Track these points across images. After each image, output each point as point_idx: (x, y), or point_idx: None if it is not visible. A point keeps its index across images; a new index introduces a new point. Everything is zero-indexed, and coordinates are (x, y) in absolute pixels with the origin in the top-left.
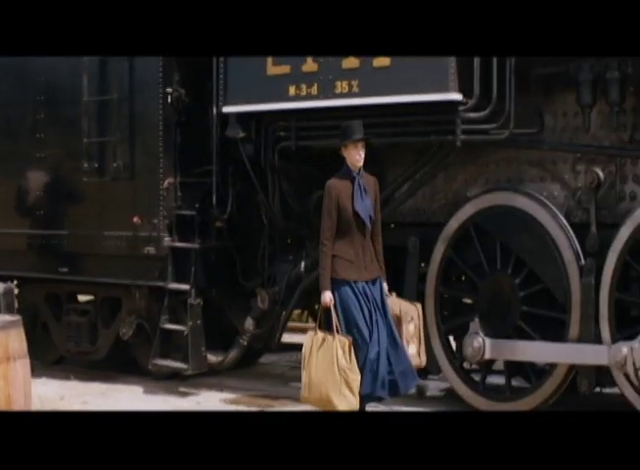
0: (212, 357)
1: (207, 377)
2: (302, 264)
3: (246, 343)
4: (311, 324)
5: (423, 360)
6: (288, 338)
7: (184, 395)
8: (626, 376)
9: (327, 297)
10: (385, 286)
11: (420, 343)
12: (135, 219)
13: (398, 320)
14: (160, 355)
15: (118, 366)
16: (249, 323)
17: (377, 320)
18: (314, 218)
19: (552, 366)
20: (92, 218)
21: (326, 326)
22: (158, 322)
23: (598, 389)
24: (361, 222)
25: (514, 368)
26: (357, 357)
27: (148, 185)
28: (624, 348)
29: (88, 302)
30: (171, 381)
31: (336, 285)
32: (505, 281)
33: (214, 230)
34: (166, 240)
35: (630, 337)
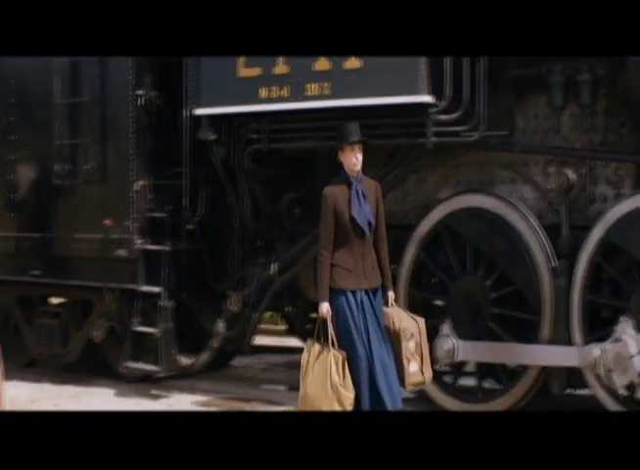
0: (184, 360)
1: (179, 380)
2: (273, 267)
3: (217, 345)
4: (282, 326)
5: (427, 377)
6: (259, 340)
7: (156, 397)
8: (598, 377)
9: (324, 308)
10: (390, 295)
11: (422, 359)
12: (107, 222)
13: (397, 337)
14: (131, 358)
15: (90, 369)
16: (220, 326)
17: (375, 332)
18: (285, 221)
19: (523, 368)
20: (64, 221)
21: (324, 338)
22: (129, 325)
23: (569, 390)
24: (360, 229)
25: (485, 370)
26: (352, 374)
27: (119, 187)
28: (596, 349)
29: (60, 304)
30: (143, 384)
31: (333, 295)
32: (476, 283)
33: (185, 233)
34: (138, 242)
35: (602, 338)
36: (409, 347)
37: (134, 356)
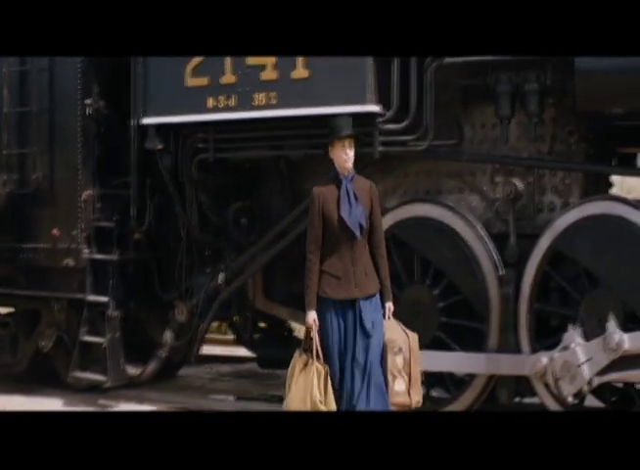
0: (131, 370)
1: (127, 390)
2: (220, 276)
3: (164, 355)
4: (230, 336)
5: (414, 401)
6: (207, 350)
7: (103, 407)
8: (546, 386)
9: (310, 318)
10: (388, 306)
11: (410, 379)
12: (54, 231)
13: (384, 350)
14: (79, 368)
15: (39, 379)
16: (167, 336)
17: (352, 349)
18: (232, 231)
19: (471, 376)
20: (12, 230)
21: (309, 348)
22: (77, 335)
23: (518, 398)
24: (349, 232)
25: (433, 379)
26: (334, 389)
27: (67, 197)
28: (544, 358)
29: (8, 314)
30: (91, 393)
31: (321, 304)
32: (424, 292)
33: (133, 242)
34: (85, 252)
35: (550, 347)
36: (396, 362)
37: (82, 366)
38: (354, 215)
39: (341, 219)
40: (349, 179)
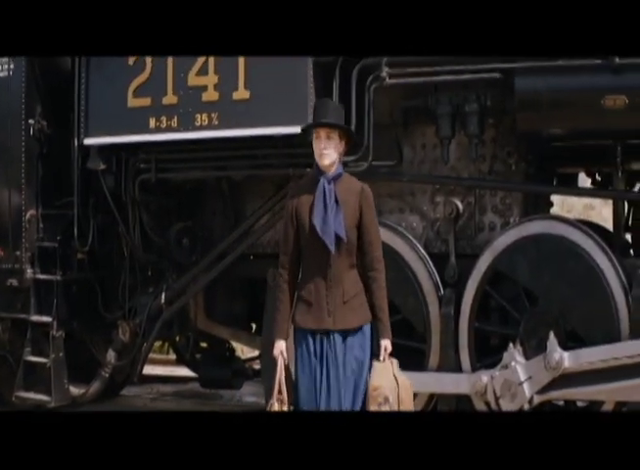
0: (75, 390)
1: (70, 409)
2: (163, 296)
3: (108, 375)
4: (172, 356)
5: None
6: (150, 370)
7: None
8: (487, 404)
9: (276, 349)
10: (385, 346)
11: None
12: None
13: (367, 398)
14: (23, 388)
15: None
16: (110, 355)
17: (332, 392)
18: (174, 251)
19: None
20: None
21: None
22: (21, 355)
23: None
24: (323, 245)
25: None
26: None
27: (10, 217)
28: (484, 376)
29: None
30: None
31: (295, 334)
32: None
33: (76, 262)
34: (29, 272)
35: (491, 365)
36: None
37: (26, 386)
38: (330, 223)
39: (312, 227)
40: (330, 178)
